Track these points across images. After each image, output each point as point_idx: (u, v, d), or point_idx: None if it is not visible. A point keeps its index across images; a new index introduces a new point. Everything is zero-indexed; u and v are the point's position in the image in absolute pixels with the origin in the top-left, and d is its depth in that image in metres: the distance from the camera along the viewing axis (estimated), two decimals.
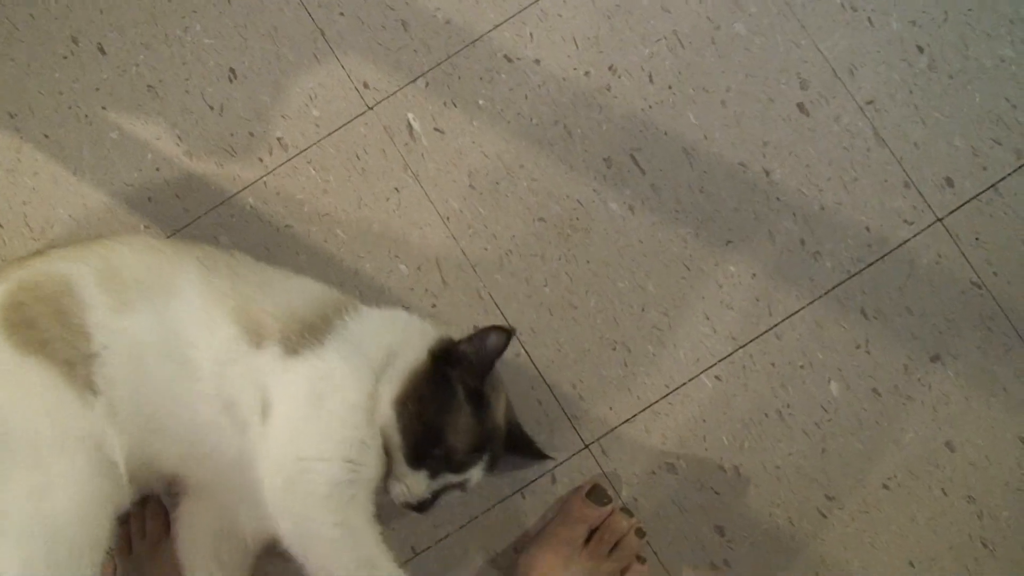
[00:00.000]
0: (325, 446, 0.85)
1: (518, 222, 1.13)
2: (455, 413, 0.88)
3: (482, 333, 0.87)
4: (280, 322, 0.90)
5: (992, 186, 1.13)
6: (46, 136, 1.21)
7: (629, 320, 1.13)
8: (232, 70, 1.18)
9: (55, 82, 1.23)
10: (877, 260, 1.13)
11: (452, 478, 0.88)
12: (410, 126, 1.17)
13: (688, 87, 1.16)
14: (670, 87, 1.16)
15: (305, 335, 0.88)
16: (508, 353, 1.00)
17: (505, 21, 1.18)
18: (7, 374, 0.88)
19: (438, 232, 1.17)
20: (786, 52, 1.16)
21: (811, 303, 1.13)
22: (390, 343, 0.88)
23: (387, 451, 0.86)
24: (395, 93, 1.16)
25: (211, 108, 1.15)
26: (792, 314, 1.13)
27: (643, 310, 1.12)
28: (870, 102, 1.15)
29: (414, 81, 1.16)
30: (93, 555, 0.85)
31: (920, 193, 1.14)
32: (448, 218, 1.16)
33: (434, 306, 1.13)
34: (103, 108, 1.20)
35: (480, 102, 1.17)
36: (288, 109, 1.17)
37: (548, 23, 1.18)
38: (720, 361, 1.12)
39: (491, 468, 0.92)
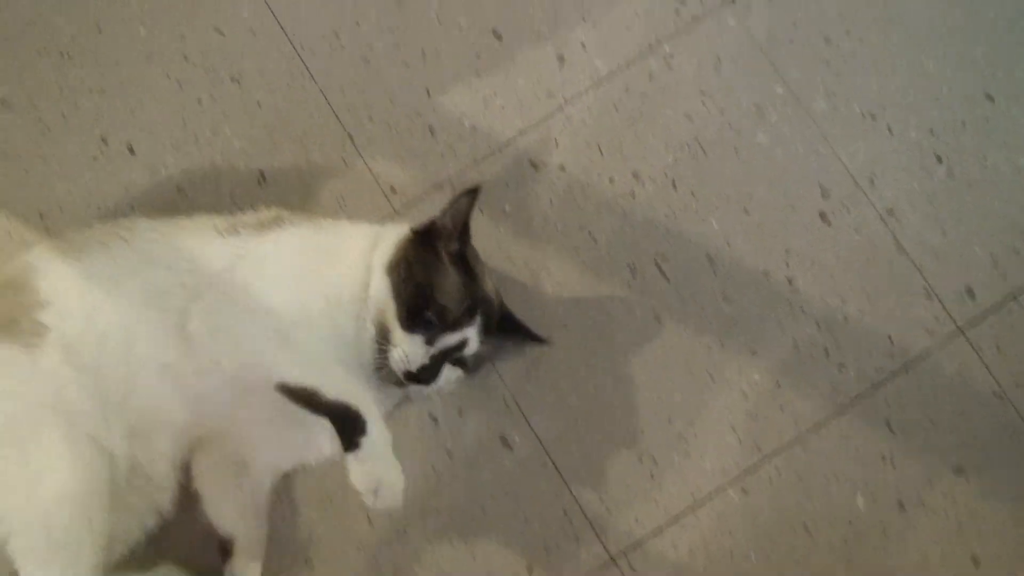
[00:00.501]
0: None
1: (544, 329, 1.19)
2: (442, 274, 0.98)
3: (452, 201, 0.98)
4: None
5: (1012, 296, 1.19)
6: None
7: (655, 430, 1.18)
8: (262, 173, 1.25)
9: (85, 182, 1.29)
10: (900, 370, 1.19)
11: (448, 339, 0.94)
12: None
13: (711, 194, 1.23)
14: (693, 194, 1.23)
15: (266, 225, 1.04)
16: (535, 463, 1.09)
17: (531, 127, 1.25)
18: None
19: None
20: (807, 161, 1.23)
21: (836, 414, 1.18)
22: (377, 231, 1.03)
23: (384, 326, 0.95)
24: (422, 197, 1.23)
25: (241, 211, 1.21)
26: (817, 425, 1.18)
27: (669, 420, 1.18)
28: (890, 211, 1.22)
29: (441, 186, 1.23)
30: (93, 537, 0.90)
31: (941, 303, 1.20)
32: None
33: (460, 414, 1.18)
34: (132, 208, 1.26)
35: (506, 207, 1.23)
36: (317, 212, 1.23)
37: (573, 130, 1.25)
38: (746, 472, 1.16)
39: (486, 334, 0.99)
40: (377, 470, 0.86)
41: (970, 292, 1.18)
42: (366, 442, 0.86)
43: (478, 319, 0.98)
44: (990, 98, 1.21)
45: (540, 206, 1.21)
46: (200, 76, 1.26)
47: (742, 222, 1.20)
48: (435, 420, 1.14)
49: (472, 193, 0.97)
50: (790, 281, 1.18)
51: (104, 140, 1.26)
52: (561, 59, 1.24)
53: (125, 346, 0.98)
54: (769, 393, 1.15)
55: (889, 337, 1.16)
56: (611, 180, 1.20)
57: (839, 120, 1.21)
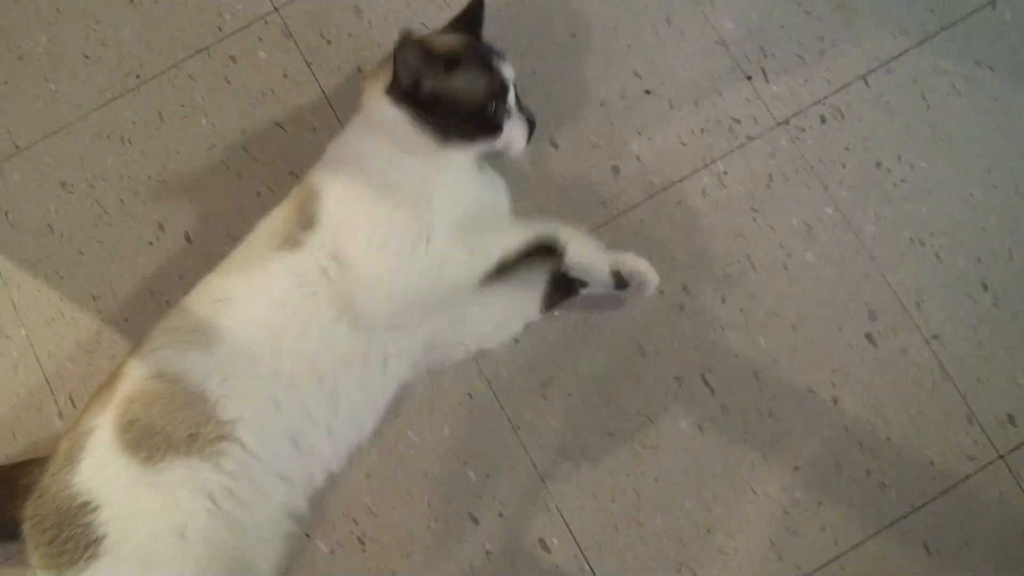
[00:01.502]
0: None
1: (588, 435, 1.36)
2: (453, 87, 1.23)
3: (400, 62, 1.18)
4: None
5: None
6: (126, 320, 1.44)
7: (695, 541, 1.35)
8: None
9: (138, 267, 1.46)
10: (940, 495, 1.36)
11: (510, 95, 1.27)
12: None
13: (760, 311, 1.41)
14: (742, 310, 1.41)
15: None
16: (573, 567, 1.30)
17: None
18: (148, 490, 1.12)
19: (508, 439, 1.39)
20: (855, 283, 1.42)
21: (875, 534, 1.35)
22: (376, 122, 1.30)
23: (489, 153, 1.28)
24: None
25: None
26: (857, 545, 1.35)
27: (709, 532, 1.34)
28: (936, 336, 1.40)
29: None
30: None
31: (983, 429, 1.38)
32: (519, 427, 1.39)
33: (501, 515, 1.35)
34: (184, 295, 1.43)
35: (556, 313, 1.41)
36: None
37: (624, 240, 1.44)
38: None
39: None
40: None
41: (1012, 420, 1.35)
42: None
43: (495, 61, 1.25)
44: None
45: (590, 315, 1.41)
46: (259, 168, 1.45)
47: (789, 339, 1.37)
48: (475, 521, 1.30)
49: (403, 42, 1.14)
50: (835, 400, 1.36)
51: (161, 226, 1.44)
52: (616, 170, 1.43)
53: (314, 384, 1.18)
54: (810, 511, 1.32)
55: (930, 460, 1.33)
56: (661, 292, 1.38)
57: (888, 244, 1.39)
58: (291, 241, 1.16)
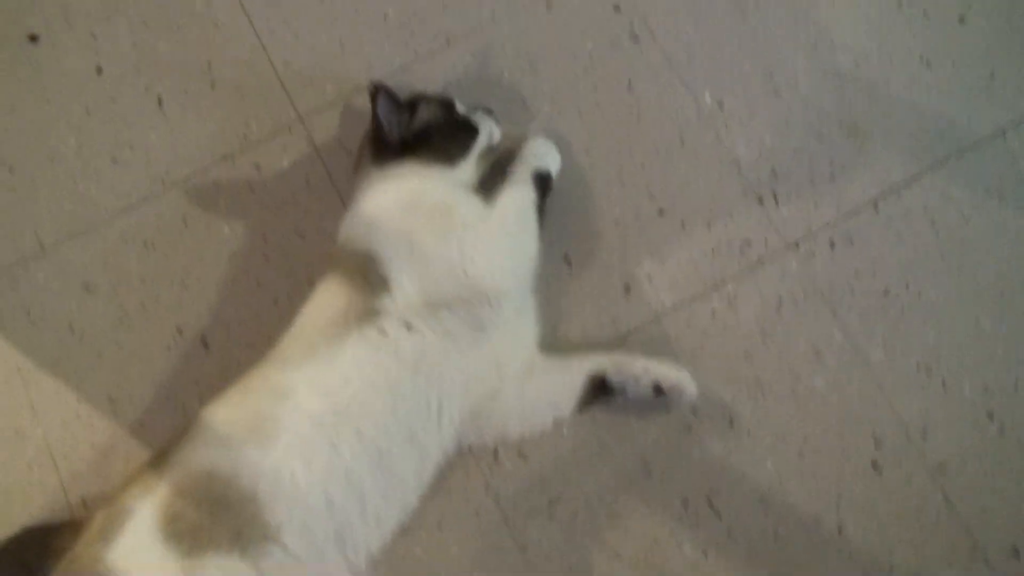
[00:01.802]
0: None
1: (595, 556, 1.42)
2: (425, 119, 1.47)
3: (381, 117, 1.42)
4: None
5: None
6: (142, 424, 1.52)
7: None
8: None
9: (156, 371, 1.53)
10: None
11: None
12: (495, 450, 1.49)
13: (767, 435, 1.48)
14: (749, 433, 1.48)
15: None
16: None
17: (592, 353, 1.51)
18: None
19: (515, 560, 1.46)
20: (862, 409, 1.49)
21: None
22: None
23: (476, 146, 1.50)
24: None
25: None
26: None
27: None
28: (941, 465, 1.46)
29: None
30: None
31: (987, 561, 1.44)
32: (525, 547, 1.46)
33: None
34: (200, 402, 1.51)
35: (564, 431, 1.49)
36: None
37: (633, 359, 1.51)
38: None
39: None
40: None
41: (1015, 552, 1.41)
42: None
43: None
44: None
45: (597, 433, 1.48)
46: (278, 276, 1.54)
47: (796, 465, 1.44)
48: None
49: (375, 94, 1.37)
50: (840, 528, 1.42)
51: (180, 331, 1.52)
52: (627, 289, 1.51)
53: (372, 464, 1.26)
54: None
55: None
56: (667, 412, 1.45)
57: (895, 371, 1.46)
58: (364, 314, 1.24)
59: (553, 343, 1.49)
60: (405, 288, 1.26)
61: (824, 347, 1.46)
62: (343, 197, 1.58)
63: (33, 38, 1.70)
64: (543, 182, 1.49)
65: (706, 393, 1.47)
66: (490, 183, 1.47)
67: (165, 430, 1.45)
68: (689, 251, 1.52)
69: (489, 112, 1.47)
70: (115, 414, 1.53)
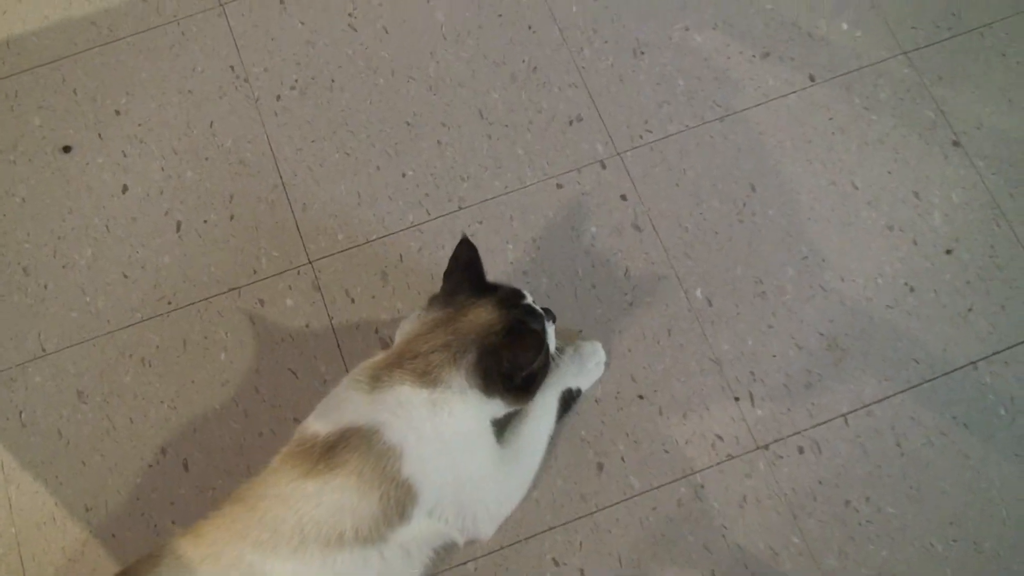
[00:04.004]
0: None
1: None
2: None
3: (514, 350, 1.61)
4: None
5: None
6: (113, 536, 1.97)
7: None
8: None
9: (135, 486, 2.00)
10: None
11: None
12: None
13: None
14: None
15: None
16: None
17: (559, 526, 2.03)
18: None
19: None
20: None
21: None
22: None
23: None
24: None
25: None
26: None
27: None
28: None
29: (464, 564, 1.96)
30: None
31: None
32: None
33: None
34: (172, 522, 2.01)
35: None
36: None
37: (598, 538, 2.01)
38: None
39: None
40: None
41: None
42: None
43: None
44: None
45: None
46: (266, 410, 2.05)
47: None
48: None
49: (532, 340, 1.56)
50: None
51: (163, 451, 2.03)
52: (600, 467, 2.04)
53: None
54: None
55: None
56: None
57: None
58: (372, 536, 1.43)
59: (517, 514, 1.94)
60: (422, 524, 1.48)
61: (781, 549, 1.97)
62: (340, 342, 2.07)
63: (67, 149, 2.25)
64: (571, 395, 1.85)
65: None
66: None
67: (135, 546, 1.91)
68: (663, 438, 2.03)
69: (552, 318, 1.73)
70: (89, 523, 1.97)
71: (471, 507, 1.57)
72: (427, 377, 1.48)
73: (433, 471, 1.47)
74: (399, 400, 1.46)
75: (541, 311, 1.64)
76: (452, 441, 1.50)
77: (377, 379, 1.49)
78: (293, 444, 1.50)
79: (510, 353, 1.50)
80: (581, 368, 1.91)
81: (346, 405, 1.49)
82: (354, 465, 1.41)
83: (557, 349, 1.77)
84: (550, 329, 1.67)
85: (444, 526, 1.53)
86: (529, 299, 1.64)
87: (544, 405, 1.78)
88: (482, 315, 1.56)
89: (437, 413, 1.48)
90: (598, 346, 1.95)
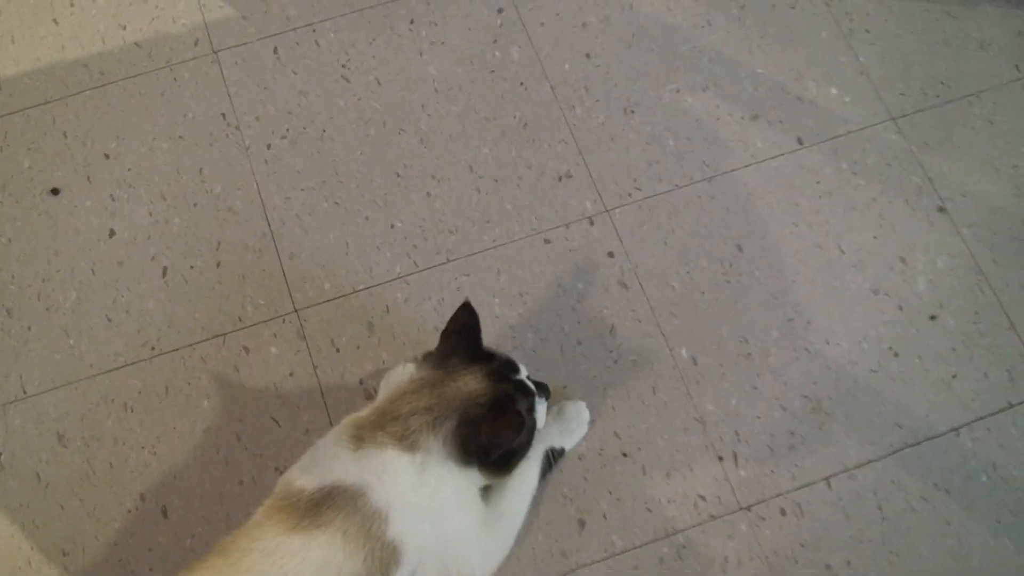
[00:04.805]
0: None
1: None
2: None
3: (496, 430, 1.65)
4: None
5: None
6: None
7: None
8: None
9: (113, 532, 2.07)
10: None
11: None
12: None
13: None
14: None
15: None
16: None
17: None
18: None
19: None
20: None
21: None
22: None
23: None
24: None
25: None
26: None
27: None
28: None
29: None
30: None
31: None
32: None
33: None
34: (150, 569, 2.10)
35: None
36: None
37: None
38: None
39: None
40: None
41: None
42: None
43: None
44: None
45: None
46: (248, 458, 2.15)
47: None
48: None
49: (514, 421, 1.59)
50: None
51: (142, 497, 2.12)
52: (582, 524, 2.15)
53: None
54: None
55: None
56: None
57: None
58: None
59: (504, 559, 2.00)
60: None
61: None
62: (324, 392, 2.17)
63: (55, 191, 2.35)
64: (554, 453, 1.91)
65: None
66: None
67: None
68: (646, 497, 2.13)
69: (546, 395, 1.79)
70: (66, 568, 2.04)
71: (453, 567, 1.62)
72: (405, 441, 1.52)
73: (417, 534, 1.51)
74: (384, 464, 1.50)
75: (533, 387, 1.67)
76: (437, 506, 1.55)
77: (360, 439, 1.53)
78: (277, 498, 1.53)
79: (489, 428, 1.54)
80: (564, 428, 1.99)
81: (332, 463, 1.53)
82: (339, 524, 1.44)
83: None
84: (541, 406, 1.70)
85: None
86: (523, 373, 1.69)
87: (527, 467, 1.84)
88: (470, 383, 1.60)
89: (423, 480, 1.52)
90: (582, 406, 2.04)
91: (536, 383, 1.72)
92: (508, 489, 1.84)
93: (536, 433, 1.71)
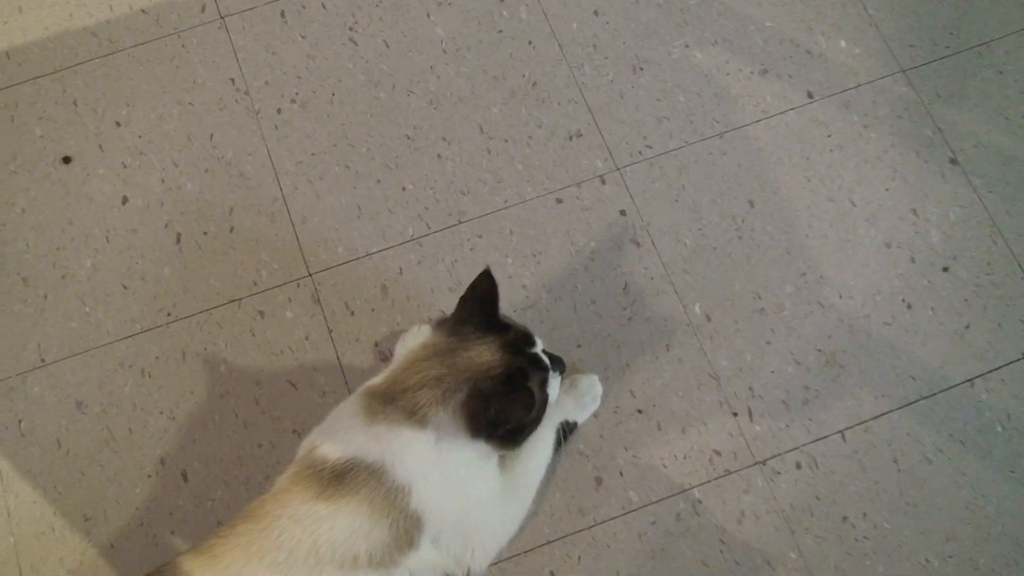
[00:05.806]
0: None
1: None
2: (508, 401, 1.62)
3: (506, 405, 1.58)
4: None
5: None
6: (112, 546, 2.05)
7: None
8: None
9: (134, 496, 2.08)
10: None
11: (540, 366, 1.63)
12: None
13: None
14: None
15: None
16: None
17: (558, 539, 2.12)
18: None
19: None
20: None
21: None
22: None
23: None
24: None
25: None
26: None
27: None
28: None
29: None
30: None
31: None
32: None
33: None
34: (171, 532, 2.10)
35: None
36: None
37: (597, 553, 2.10)
38: None
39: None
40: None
41: None
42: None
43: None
44: None
45: None
46: (266, 421, 2.13)
47: None
48: None
49: (526, 399, 1.54)
50: None
51: (162, 461, 2.11)
52: (599, 481, 2.14)
53: None
54: None
55: None
56: None
57: None
58: (385, 562, 1.47)
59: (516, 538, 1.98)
60: (429, 551, 1.52)
61: (779, 564, 2.06)
62: (339, 355, 2.16)
63: (67, 160, 2.33)
64: (567, 426, 1.90)
65: None
66: None
67: (133, 556, 1.98)
68: (662, 453, 2.13)
69: (561, 369, 1.71)
70: (88, 533, 2.05)
71: (472, 534, 1.60)
72: (415, 417, 1.49)
73: (438, 504, 1.52)
74: (402, 445, 1.49)
75: (548, 361, 1.63)
76: (456, 479, 1.55)
77: (374, 412, 1.53)
78: (300, 464, 1.53)
79: (498, 403, 1.49)
80: (577, 402, 2.00)
81: (351, 433, 1.53)
82: (365, 495, 1.45)
83: None
84: (555, 381, 1.65)
85: (445, 554, 1.57)
86: (539, 346, 1.64)
87: (541, 439, 1.82)
88: (484, 354, 1.56)
89: (440, 457, 1.51)
90: (595, 379, 2.03)
91: (551, 356, 1.67)
92: (523, 459, 1.82)
93: (549, 407, 1.64)
